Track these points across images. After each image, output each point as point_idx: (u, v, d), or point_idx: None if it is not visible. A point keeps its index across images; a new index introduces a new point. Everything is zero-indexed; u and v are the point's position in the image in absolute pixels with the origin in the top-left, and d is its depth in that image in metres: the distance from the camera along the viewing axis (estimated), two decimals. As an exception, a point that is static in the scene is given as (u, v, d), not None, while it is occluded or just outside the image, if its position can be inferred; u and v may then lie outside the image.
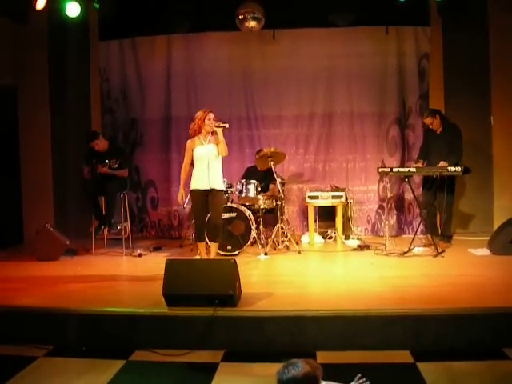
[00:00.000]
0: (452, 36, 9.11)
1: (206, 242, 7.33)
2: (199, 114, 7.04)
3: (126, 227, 8.59)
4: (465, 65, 8.98)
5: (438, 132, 8.29)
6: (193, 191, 7.07)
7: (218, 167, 7.10)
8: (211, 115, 6.99)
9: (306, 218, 9.25)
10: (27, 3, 8.00)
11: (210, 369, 4.63)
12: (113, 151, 8.42)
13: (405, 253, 7.69)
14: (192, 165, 7.18)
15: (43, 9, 7.77)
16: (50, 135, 9.37)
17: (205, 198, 7.03)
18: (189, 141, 7.13)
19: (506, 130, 8.96)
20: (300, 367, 2.77)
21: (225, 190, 7.47)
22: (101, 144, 8.37)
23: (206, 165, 6.96)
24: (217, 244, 7.19)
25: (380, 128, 9.59)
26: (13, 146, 9.35)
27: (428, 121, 8.29)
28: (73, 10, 7.97)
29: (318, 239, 9.17)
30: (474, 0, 8.68)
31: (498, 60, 8.92)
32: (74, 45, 9.59)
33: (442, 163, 7.81)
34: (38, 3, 7.66)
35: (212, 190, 6.99)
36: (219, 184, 7.08)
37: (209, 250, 7.23)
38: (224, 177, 8.42)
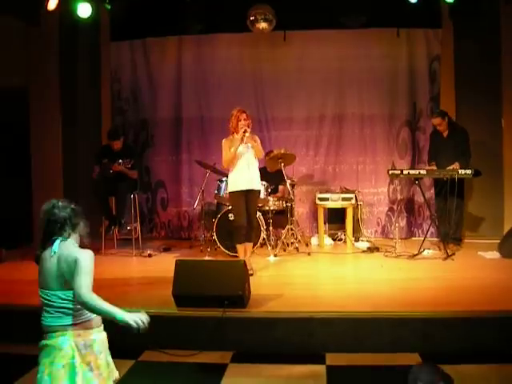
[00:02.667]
0: (463, 38, 9.07)
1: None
2: (233, 112, 6.89)
3: (135, 228, 8.61)
4: (476, 67, 8.94)
5: (445, 135, 8.24)
6: (233, 193, 6.87)
7: (256, 167, 6.94)
8: (243, 115, 6.81)
9: (316, 219, 9.24)
10: (39, 5, 8.03)
11: (219, 370, 4.66)
12: (126, 151, 8.45)
13: (414, 255, 7.68)
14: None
15: (55, 9, 7.80)
16: (60, 136, 9.38)
17: (244, 200, 6.82)
18: (224, 140, 6.95)
19: (517, 133, 8.94)
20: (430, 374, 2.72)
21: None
22: (119, 144, 8.42)
23: (246, 164, 6.79)
24: (252, 244, 7.10)
25: (390, 130, 9.57)
26: (24, 147, 9.38)
27: (437, 121, 8.20)
28: (84, 10, 8.00)
29: (328, 241, 9.15)
30: (486, 2, 8.64)
31: (510, 63, 8.87)
32: (85, 45, 9.64)
33: (453, 166, 7.77)
34: (49, 4, 7.70)
35: (251, 191, 6.81)
36: (258, 184, 6.96)
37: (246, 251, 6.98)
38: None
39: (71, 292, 2.96)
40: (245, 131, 6.72)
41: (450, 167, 7.76)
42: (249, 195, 6.82)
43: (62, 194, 9.38)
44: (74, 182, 9.48)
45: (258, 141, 6.97)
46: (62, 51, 9.34)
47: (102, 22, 9.60)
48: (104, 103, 10.02)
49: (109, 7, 8.47)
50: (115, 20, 9.52)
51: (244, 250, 6.90)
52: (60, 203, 3.15)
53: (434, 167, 8.15)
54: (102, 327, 3.15)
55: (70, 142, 9.51)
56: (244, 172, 6.79)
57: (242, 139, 6.73)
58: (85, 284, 2.90)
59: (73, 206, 3.21)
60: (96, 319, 3.08)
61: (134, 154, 8.57)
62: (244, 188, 6.78)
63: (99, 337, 3.10)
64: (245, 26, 8.96)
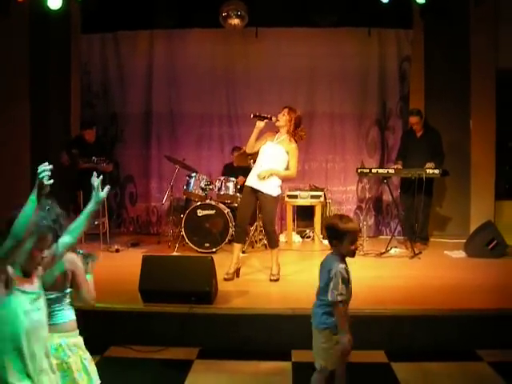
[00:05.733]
0: (433, 39, 9.17)
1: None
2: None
3: (103, 222, 8.54)
4: (445, 68, 9.05)
5: (418, 135, 8.31)
6: (244, 186, 6.59)
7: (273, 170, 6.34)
8: (283, 110, 6.54)
9: (285, 216, 9.26)
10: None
11: (185, 366, 4.65)
12: (99, 146, 8.42)
13: (382, 253, 7.75)
14: None
15: (25, 0, 7.68)
16: (29, 128, 9.26)
17: (252, 198, 6.50)
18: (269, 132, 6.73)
19: (485, 133, 9.03)
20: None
21: (275, 196, 6.41)
22: (92, 134, 8.37)
23: (265, 162, 6.37)
24: (275, 250, 6.59)
25: (360, 129, 9.62)
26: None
27: (415, 119, 8.24)
28: (54, 2, 7.88)
29: (296, 238, 9.19)
30: (456, 4, 8.73)
31: (479, 64, 8.98)
32: (55, 37, 9.48)
33: (428, 165, 7.81)
34: (19, -6, 7.58)
35: (259, 192, 6.35)
36: (268, 188, 6.30)
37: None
38: (203, 173, 8.44)
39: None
40: (270, 118, 6.49)
41: (426, 166, 7.79)
42: (259, 197, 6.44)
43: (29, 186, 9.27)
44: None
45: (296, 152, 6.47)
46: (31, 43, 9.19)
47: (72, 14, 9.46)
48: (73, 96, 9.89)
49: (80, -1, 8.37)
50: (86, 12, 9.40)
51: (239, 251, 6.72)
52: (43, 214, 2.96)
53: (400, 166, 8.21)
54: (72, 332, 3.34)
55: (39, 135, 9.37)
56: (256, 169, 6.43)
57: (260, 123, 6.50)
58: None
59: (54, 215, 3.06)
60: (63, 325, 3.26)
61: (107, 151, 8.56)
62: (251, 185, 6.41)
63: (65, 341, 3.24)
64: (217, 21, 8.92)
